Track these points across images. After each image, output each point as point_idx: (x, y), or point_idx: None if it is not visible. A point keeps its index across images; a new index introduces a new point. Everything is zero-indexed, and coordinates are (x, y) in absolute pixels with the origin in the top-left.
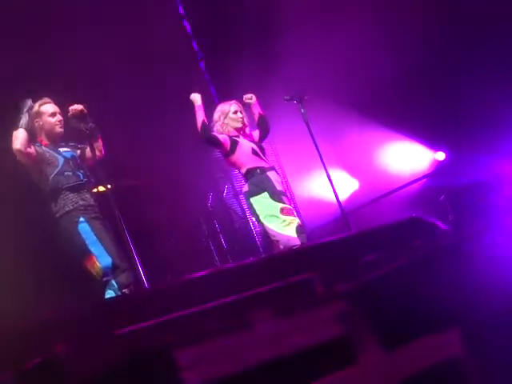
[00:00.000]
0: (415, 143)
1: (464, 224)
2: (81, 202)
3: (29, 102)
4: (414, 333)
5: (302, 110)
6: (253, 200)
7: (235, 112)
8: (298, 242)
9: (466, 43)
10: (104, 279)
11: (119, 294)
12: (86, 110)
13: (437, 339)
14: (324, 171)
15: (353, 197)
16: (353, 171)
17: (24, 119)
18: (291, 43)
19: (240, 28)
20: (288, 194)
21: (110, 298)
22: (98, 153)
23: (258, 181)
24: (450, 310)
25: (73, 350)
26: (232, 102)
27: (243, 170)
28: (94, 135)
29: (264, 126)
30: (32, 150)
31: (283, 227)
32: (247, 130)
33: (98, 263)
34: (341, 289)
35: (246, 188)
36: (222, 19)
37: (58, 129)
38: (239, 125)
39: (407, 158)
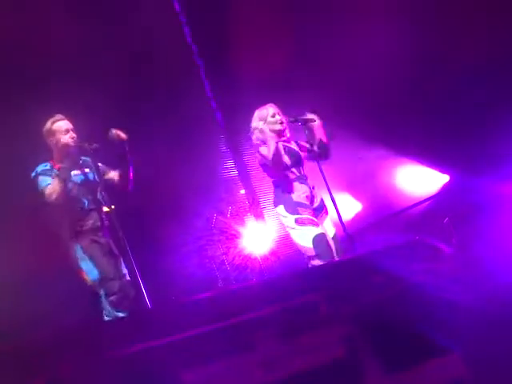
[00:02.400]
0: (420, 165)
1: (467, 247)
2: (79, 229)
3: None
4: (416, 356)
5: (307, 132)
6: (276, 211)
7: (273, 115)
8: (312, 253)
9: (469, 65)
10: (96, 294)
11: (111, 311)
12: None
13: (439, 362)
14: (328, 192)
15: (356, 218)
16: (356, 193)
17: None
18: (296, 64)
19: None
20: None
21: (114, 319)
22: (120, 182)
23: (276, 193)
24: (453, 333)
25: (77, 370)
26: (268, 105)
27: (271, 180)
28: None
29: (323, 153)
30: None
31: (299, 237)
32: (287, 133)
33: (87, 278)
34: (344, 311)
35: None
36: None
37: (71, 147)
38: (279, 127)
39: (412, 180)
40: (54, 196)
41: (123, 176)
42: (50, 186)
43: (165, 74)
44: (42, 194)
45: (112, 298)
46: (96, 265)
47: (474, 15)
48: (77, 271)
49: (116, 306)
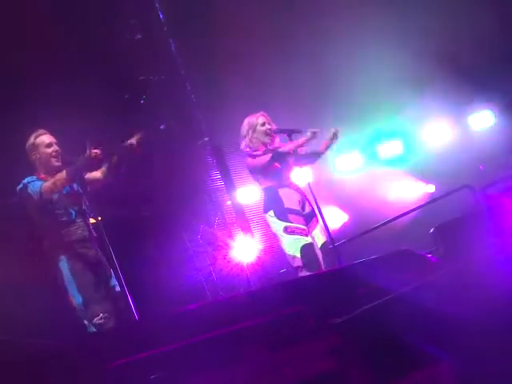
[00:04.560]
0: (406, 175)
1: (454, 257)
2: (66, 239)
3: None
4: (405, 366)
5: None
6: (265, 217)
7: (263, 124)
8: (299, 264)
9: None
10: (82, 322)
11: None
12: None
13: (428, 373)
14: (314, 204)
15: (343, 229)
16: (343, 203)
17: None
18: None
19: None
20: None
21: (101, 331)
22: (100, 175)
23: (267, 198)
24: (441, 343)
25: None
26: (259, 113)
27: (261, 186)
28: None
29: (312, 160)
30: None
31: (286, 246)
32: (277, 142)
33: (73, 301)
34: (332, 322)
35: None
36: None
37: (55, 161)
38: (267, 138)
39: (398, 191)
40: (51, 188)
41: (107, 171)
42: (47, 183)
43: (151, 87)
44: (37, 193)
45: (96, 321)
46: (80, 289)
47: None
48: (63, 292)
49: (100, 328)
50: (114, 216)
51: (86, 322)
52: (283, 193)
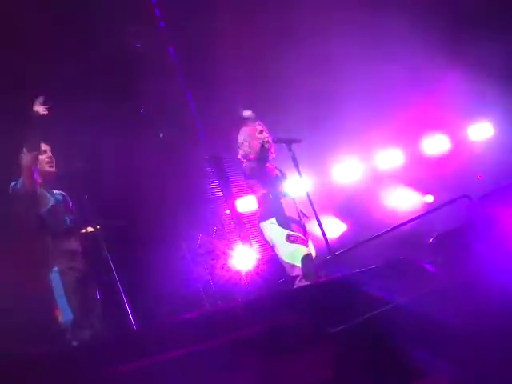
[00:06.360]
0: (405, 185)
1: (453, 267)
2: (60, 249)
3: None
4: (404, 376)
5: (291, 153)
6: (262, 225)
7: (261, 132)
8: (299, 273)
9: None
10: (66, 337)
11: None
12: None
13: (426, 383)
14: (313, 214)
15: (341, 239)
16: (341, 213)
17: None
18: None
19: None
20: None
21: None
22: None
23: (267, 205)
24: (440, 353)
25: None
26: (256, 122)
27: (259, 195)
28: None
29: None
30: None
31: (287, 255)
32: (273, 152)
33: (60, 316)
34: (331, 331)
35: (258, 213)
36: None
37: (48, 166)
38: (266, 145)
39: (397, 200)
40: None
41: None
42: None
43: (150, 95)
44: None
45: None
46: (70, 305)
47: None
48: (52, 304)
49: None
50: (112, 225)
51: (70, 338)
52: (284, 201)
